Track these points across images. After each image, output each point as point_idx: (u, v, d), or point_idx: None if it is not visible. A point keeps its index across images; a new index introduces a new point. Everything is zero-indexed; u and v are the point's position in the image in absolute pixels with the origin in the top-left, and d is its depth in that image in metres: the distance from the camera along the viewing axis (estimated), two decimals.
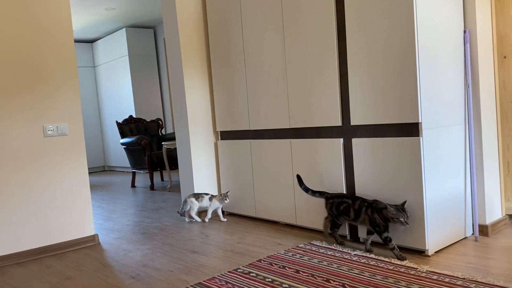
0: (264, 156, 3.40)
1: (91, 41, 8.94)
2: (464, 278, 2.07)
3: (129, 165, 7.97)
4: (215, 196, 3.61)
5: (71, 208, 3.18)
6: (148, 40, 8.24)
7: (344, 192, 2.81)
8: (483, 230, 2.74)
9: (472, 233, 2.75)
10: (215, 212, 3.80)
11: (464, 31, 2.71)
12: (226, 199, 3.53)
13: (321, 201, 2.96)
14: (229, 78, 3.65)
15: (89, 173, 8.81)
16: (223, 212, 3.85)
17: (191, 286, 2.26)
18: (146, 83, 8.21)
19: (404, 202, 2.41)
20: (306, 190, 2.86)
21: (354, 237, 2.82)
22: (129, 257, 2.87)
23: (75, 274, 2.62)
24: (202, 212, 3.77)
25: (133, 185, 6.26)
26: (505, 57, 2.93)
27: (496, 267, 2.21)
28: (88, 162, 8.84)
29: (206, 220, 3.64)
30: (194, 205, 3.59)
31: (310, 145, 3.01)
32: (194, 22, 3.78)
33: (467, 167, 2.73)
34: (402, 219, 2.33)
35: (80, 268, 2.72)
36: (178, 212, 3.77)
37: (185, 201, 3.63)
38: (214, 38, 3.75)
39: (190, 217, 3.69)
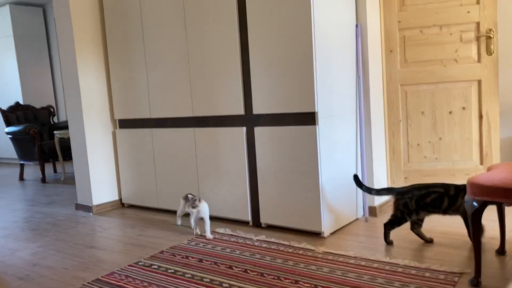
0: (166, 145, 3.32)
1: None
2: (356, 257, 2.23)
3: (16, 156, 7.29)
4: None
5: None
6: (37, 20, 7.55)
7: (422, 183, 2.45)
8: (372, 211, 2.97)
9: (363, 214, 2.97)
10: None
11: (356, 26, 2.88)
12: (193, 207, 2.67)
13: (224, 190, 2.98)
14: (127, 63, 3.48)
15: None
16: (211, 218, 3.06)
17: (88, 283, 2.14)
18: (35, 67, 7.53)
19: None
20: (369, 190, 2.48)
21: (256, 223, 2.89)
22: (17, 256, 2.63)
23: None
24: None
25: (21, 178, 5.75)
26: (391, 51, 3.18)
27: (383, 245, 2.41)
28: None
29: (193, 232, 2.82)
30: (180, 207, 2.98)
31: (213, 134, 3.01)
32: (88, 1, 3.53)
33: (358, 153, 2.93)
34: None
35: None
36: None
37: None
38: (110, 20, 3.54)
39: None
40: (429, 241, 2.42)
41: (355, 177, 2.53)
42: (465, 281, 1.89)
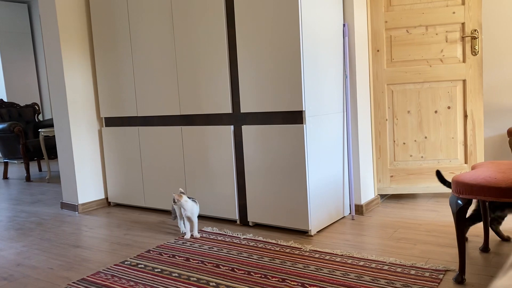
0: (153, 143, 3.30)
1: None
2: (342, 255, 2.25)
3: (0, 155, 7.17)
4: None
5: None
6: (21, 16, 7.44)
7: None
8: (359, 209, 2.99)
9: (349, 212, 2.99)
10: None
11: (344, 25, 2.89)
12: (174, 202, 2.62)
13: (211, 188, 2.97)
14: (114, 60, 3.45)
15: None
16: (199, 217, 2.90)
17: (73, 283, 2.12)
18: (20, 64, 7.42)
19: None
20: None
21: (244, 222, 2.89)
22: (1, 256, 2.59)
23: None
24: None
25: (5, 177, 5.67)
26: (378, 50, 3.20)
27: (369, 243, 2.43)
28: None
29: (181, 231, 2.80)
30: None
31: (201, 132, 3.00)
32: None
33: (345, 151, 2.95)
34: None
35: None
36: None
37: None
38: (97, 17, 3.51)
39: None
40: (506, 239, 2.35)
41: (438, 173, 2.28)
42: (449, 278, 1.91)
